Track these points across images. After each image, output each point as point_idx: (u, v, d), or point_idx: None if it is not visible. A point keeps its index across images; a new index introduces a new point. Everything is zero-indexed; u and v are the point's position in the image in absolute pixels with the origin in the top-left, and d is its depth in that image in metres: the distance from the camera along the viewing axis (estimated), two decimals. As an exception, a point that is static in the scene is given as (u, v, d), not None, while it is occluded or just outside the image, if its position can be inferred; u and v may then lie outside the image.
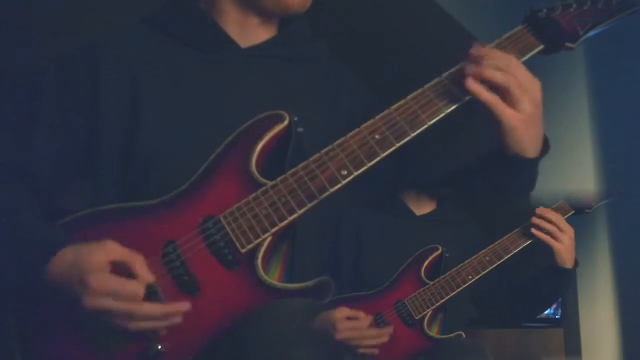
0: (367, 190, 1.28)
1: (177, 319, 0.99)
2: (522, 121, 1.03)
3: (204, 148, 1.09)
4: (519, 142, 1.05)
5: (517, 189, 1.20)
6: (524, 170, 1.12)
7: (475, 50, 1.05)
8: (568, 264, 2.01)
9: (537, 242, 2.02)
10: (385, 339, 1.83)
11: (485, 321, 2.36)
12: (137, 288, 0.96)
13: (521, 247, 2.05)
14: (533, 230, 2.00)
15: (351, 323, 1.74)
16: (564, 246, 1.98)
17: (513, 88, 1.02)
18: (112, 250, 0.97)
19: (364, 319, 1.78)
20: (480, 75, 1.03)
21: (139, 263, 0.98)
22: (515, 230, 2.08)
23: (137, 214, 1.06)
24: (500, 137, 1.05)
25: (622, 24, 1.15)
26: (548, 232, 1.98)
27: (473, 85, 1.03)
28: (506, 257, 2.03)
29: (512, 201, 1.23)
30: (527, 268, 2.13)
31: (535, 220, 2.01)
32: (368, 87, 1.36)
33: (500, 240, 2.05)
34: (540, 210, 2.01)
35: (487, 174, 1.18)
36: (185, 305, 0.99)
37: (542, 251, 2.03)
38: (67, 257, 0.98)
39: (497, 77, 1.02)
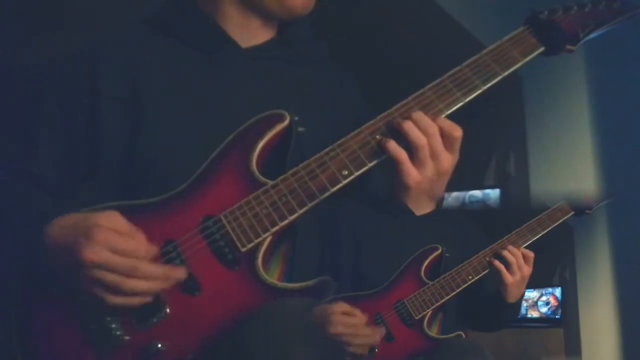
0: (368, 191, 1.28)
1: (171, 284, 0.99)
2: (418, 184, 1.04)
3: (204, 148, 1.08)
4: (409, 200, 1.09)
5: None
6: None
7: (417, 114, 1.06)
8: (511, 299, 2.05)
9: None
10: (377, 339, 1.83)
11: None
12: (139, 247, 0.96)
13: (521, 247, 2.06)
14: (494, 261, 2.03)
15: (346, 318, 1.75)
16: (514, 281, 2.01)
17: (422, 148, 1.03)
18: (117, 219, 0.98)
19: (360, 316, 1.78)
20: (400, 127, 1.04)
21: (142, 236, 0.98)
22: (515, 231, 2.08)
23: (137, 213, 1.05)
24: (394, 187, 1.08)
25: (622, 26, 1.15)
26: (507, 264, 2.01)
27: (389, 142, 1.04)
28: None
29: None
30: (474, 292, 2.15)
31: (498, 249, 2.04)
32: (368, 88, 1.36)
33: (501, 240, 2.06)
34: (508, 245, 2.04)
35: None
36: (182, 272, 0.99)
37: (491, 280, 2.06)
38: (72, 217, 0.99)
39: (413, 132, 1.03)
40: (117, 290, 0.96)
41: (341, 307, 1.76)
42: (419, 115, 1.04)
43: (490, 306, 2.12)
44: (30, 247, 1.02)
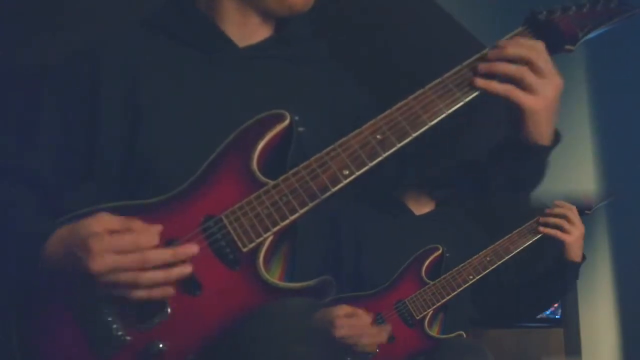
0: (368, 190, 1.28)
1: (188, 268, 0.98)
2: (543, 105, 1.05)
3: (204, 148, 1.08)
4: (538, 128, 1.07)
5: (532, 178, 1.20)
6: (540, 158, 1.13)
7: (494, 49, 1.07)
8: (577, 257, 2.03)
9: (543, 239, 2.03)
10: (384, 337, 1.82)
11: (485, 321, 2.36)
12: (141, 237, 0.96)
13: (522, 247, 2.05)
14: (540, 228, 2.02)
15: (350, 320, 1.74)
16: (573, 238, 2.00)
17: (528, 76, 1.04)
18: (107, 219, 0.97)
19: (364, 316, 1.78)
20: (491, 71, 1.05)
21: (137, 222, 0.98)
22: (516, 231, 2.08)
23: (137, 213, 1.05)
24: (519, 124, 1.07)
25: (622, 26, 1.15)
26: (557, 226, 2.00)
27: (480, 82, 1.05)
28: (507, 258, 2.03)
29: (528, 191, 1.24)
30: (533, 265, 2.14)
31: (544, 217, 2.03)
32: (367, 88, 1.36)
33: (501, 240, 2.06)
34: (554, 203, 2.03)
35: (502, 165, 1.19)
36: (194, 248, 0.98)
37: (550, 247, 2.05)
38: (62, 234, 0.99)
39: (510, 69, 1.04)
40: (136, 286, 0.96)
41: (343, 309, 1.75)
42: (515, 42, 1.06)
43: (556, 275, 2.09)
44: (24, 263, 1.02)
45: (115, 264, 0.94)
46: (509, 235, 2.06)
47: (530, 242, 2.06)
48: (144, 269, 0.95)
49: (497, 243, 2.05)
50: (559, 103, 1.08)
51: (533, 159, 1.12)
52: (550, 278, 2.12)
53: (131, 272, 0.95)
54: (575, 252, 2.02)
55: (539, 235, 2.06)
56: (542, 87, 1.04)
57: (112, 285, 0.96)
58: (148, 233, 0.97)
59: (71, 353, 1.02)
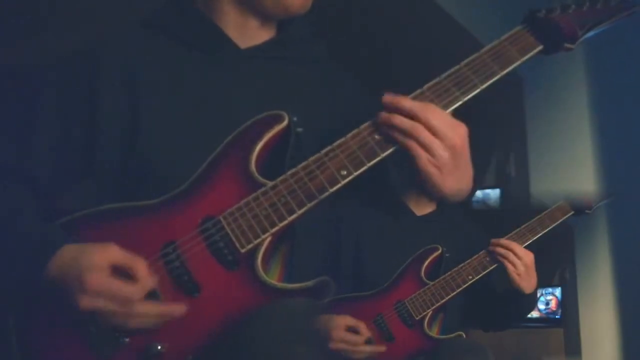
0: (368, 190, 1.28)
1: (175, 318, 0.98)
2: (437, 167, 1.02)
3: (203, 149, 1.08)
4: (437, 188, 1.04)
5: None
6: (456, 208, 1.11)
7: (387, 98, 1.04)
8: (525, 289, 2.01)
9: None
10: (376, 355, 1.83)
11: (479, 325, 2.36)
12: (134, 291, 0.96)
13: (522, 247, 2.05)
14: (496, 256, 2.02)
15: (349, 336, 1.74)
16: (517, 270, 1.99)
17: (420, 134, 1.01)
18: (113, 252, 0.97)
19: (362, 334, 1.77)
20: (389, 122, 1.03)
21: (140, 267, 0.97)
22: (516, 231, 2.08)
23: (136, 214, 1.06)
24: (419, 182, 1.04)
25: (621, 24, 1.15)
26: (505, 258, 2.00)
27: (386, 117, 1.03)
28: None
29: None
30: (493, 285, 2.14)
31: (490, 248, 2.03)
32: (367, 89, 1.36)
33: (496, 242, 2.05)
34: (494, 240, 2.03)
35: None
36: (181, 308, 0.98)
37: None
38: (67, 255, 0.98)
39: (404, 123, 1.02)
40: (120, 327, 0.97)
41: (345, 320, 1.75)
42: (405, 102, 1.03)
43: (506, 301, 2.09)
44: (26, 278, 1.01)
45: (102, 308, 0.95)
46: (508, 235, 2.06)
47: (529, 242, 2.05)
48: (128, 319, 0.96)
49: (496, 243, 2.05)
50: (463, 161, 1.04)
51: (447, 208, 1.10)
52: (499, 304, 2.13)
53: (116, 318, 0.96)
54: (521, 284, 2.01)
55: (537, 236, 2.06)
56: (436, 149, 1.01)
57: (98, 320, 0.97)
58: (145, 281, 0.97)
59: (70, 354, 1.02)
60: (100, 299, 0.94)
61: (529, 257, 2.00)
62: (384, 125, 1.03)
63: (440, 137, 1.01)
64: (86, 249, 0.97)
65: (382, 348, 1.88)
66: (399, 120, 1.02)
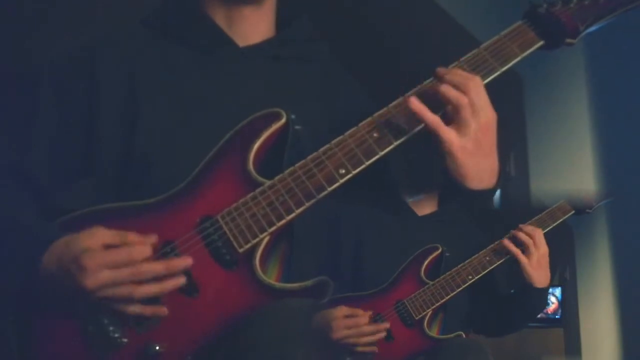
0: (367, 189, 1.27)
1: (182, 279, 0.97)
2: (462, 147, 1.00)
3: (202, 147, 1.08)
4: (459, 169, 1.02)
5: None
6: (471, 200, 1.10)
7: (440, 69, 1.03)
8: (537, 282, 1.99)
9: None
10: (382, 334, 1.82)
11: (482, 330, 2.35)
12: (135, 250, 0.95)
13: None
14: (504, 241, 2.00)
15: (348, 321, 1.74)
16: (531, 262, 1.97)
17: (463, 107, 1.00)
18: (102, 233, 0.97)
19: (362, 316, 1.77)
20: (435, 89, 1.02)
21: (131, 235, 0.97)
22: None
23: (134, 214, 1.05)
24: (445, 162, 1.02)
25: (621, 24, 1.14)
26: (522, 245, 1.98)
27: (415, 103, 1.01)
28: (506, 257, 2.02)
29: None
30: (505, 283, 2.13)
31: (513, 231, 2.01)
32: (367, 90, 1.36)
33: (502, 240, 2.05)
34: (522, 225, 2.02)
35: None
36: (188, 261, 0.98)
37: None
38: (58, 246, 0.98)
39: (451, 93, 1.00)
40: (130, 300, 0.96)
41: (341, 310, 1.75)
42: (457, 71, 1.02)
43: (515, 299, 2.08)
44: (24, 268, 1.01)
45: (108, 279, 0.94)
46: (508, 235, 2.06)
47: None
48: (137, 282, 0.95)
49: (496, 243, 2.05)
50: (491, 146, 1.03)
51: (464, 200, 1.09)
52: (511, 300, 2.11)
53: (125, 287, 0.95)
54: (533, 276, 1.98)
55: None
56: (469, 126, 1.00)
57: (106, 300, 0.96)
58: (142, 245, 0.96)
59: (69, 355, 1.01)
60: (103, 273, 0.93)
61: (545, 248, 1.99)
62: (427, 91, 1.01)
63: (478, 115, 1.00)
64: (74, 236, 0.97)
65: (385, 325, 1.86)
66: (445, 88, 1.00)
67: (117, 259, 0.94)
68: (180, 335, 1.00)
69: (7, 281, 1.03)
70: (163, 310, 0.99)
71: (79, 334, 1.00)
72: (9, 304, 1.03)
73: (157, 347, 0.99)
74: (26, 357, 1.02)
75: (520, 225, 2.02)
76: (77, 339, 1.00)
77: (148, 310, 0.98)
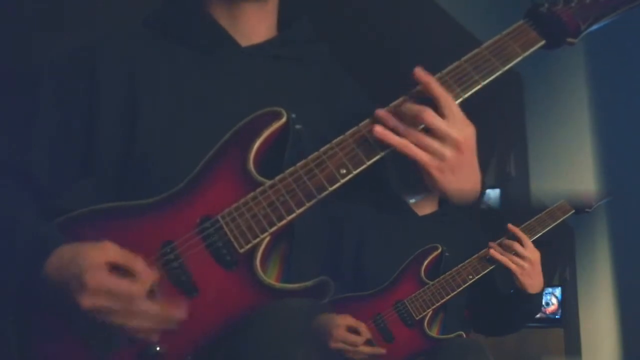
0: (368, 189, 1.27)
1: (175, 321, 0.97)
2: (438, 168, 1.00)
3: (202, 147, 1.08)
4: (439, 187, 1.01)
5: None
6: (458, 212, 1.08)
7: (420, 72, 1.02)
8: (530, 289, 1.98)
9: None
10: (376, 356, 1.83)
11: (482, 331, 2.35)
12: (135, 288, 0.95)
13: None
14: (491, 251, 1.99)
15: (349, 337, 1.74)
16: (522, 271, 1.96)
17: (428, 145, 0.99)
18: (110, 251, 0.96)
19: (362, 335, 1.77)
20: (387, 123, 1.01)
21: (138, 264, 0.96)
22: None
23: (134, 213, 1.05)
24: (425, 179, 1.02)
25: (621, 24, 1.14)
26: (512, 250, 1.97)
27: (379, 131, 1.00)
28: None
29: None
30: (497, 287, 2.13)
31: (500, 241, 2.00)
32: (367, 91, 1.36)
33: (501, 239, 2.05)
34: (511, 226, 2.00)
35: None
36: (181, 312, 0.97)
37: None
38: (64, 255, 0.97)
39: (412, 109, 1.00)
40: (121, 327, 0.95)
41: (346, 319, 1.75)
42: (401, 110, 1.01)
43: (510, 302, 2.07)
44: (24, 277, 1.00)
45: (103, 306, 0.93)
46: (508, 235, 2.05)
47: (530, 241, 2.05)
48: (131, 317, 0.94)
49: (497, 242, 2.04)
50: (470, 161, 1.02)
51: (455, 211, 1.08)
52: (506, 304, 2.10)
53: (120, 317, 0.94)
54: (525, 283, 1.97)
55: (538, 235, 2.05)
56: (439, 148, 0.99)
57: (98, 320, 0.95)
58: (145, 277, 0.95)
59: (68, 355, 1.01)
60: (101, 297, 0.93)
61: (534, 254, 1.97)
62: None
63: (445, 137, 0.99)
64: (82, 248, 0.96)
65: (381, 350, 1.87)
66: (394, 122, 1.00)
67: (117, 291, 0.93)
68: (180, 335, 0.99)
69: (7, 281, 1.03)
70: (154, 338, 0.98)
71: (78, 335, 1.00)
72: (9, 304, 1.03)
73: (157, 348, 0.99)
74: (26, 357, 1.02)
75: (508, 228, 2.00)
76: (77, 339, 1.00)
77: (139, 335, 0.97)
